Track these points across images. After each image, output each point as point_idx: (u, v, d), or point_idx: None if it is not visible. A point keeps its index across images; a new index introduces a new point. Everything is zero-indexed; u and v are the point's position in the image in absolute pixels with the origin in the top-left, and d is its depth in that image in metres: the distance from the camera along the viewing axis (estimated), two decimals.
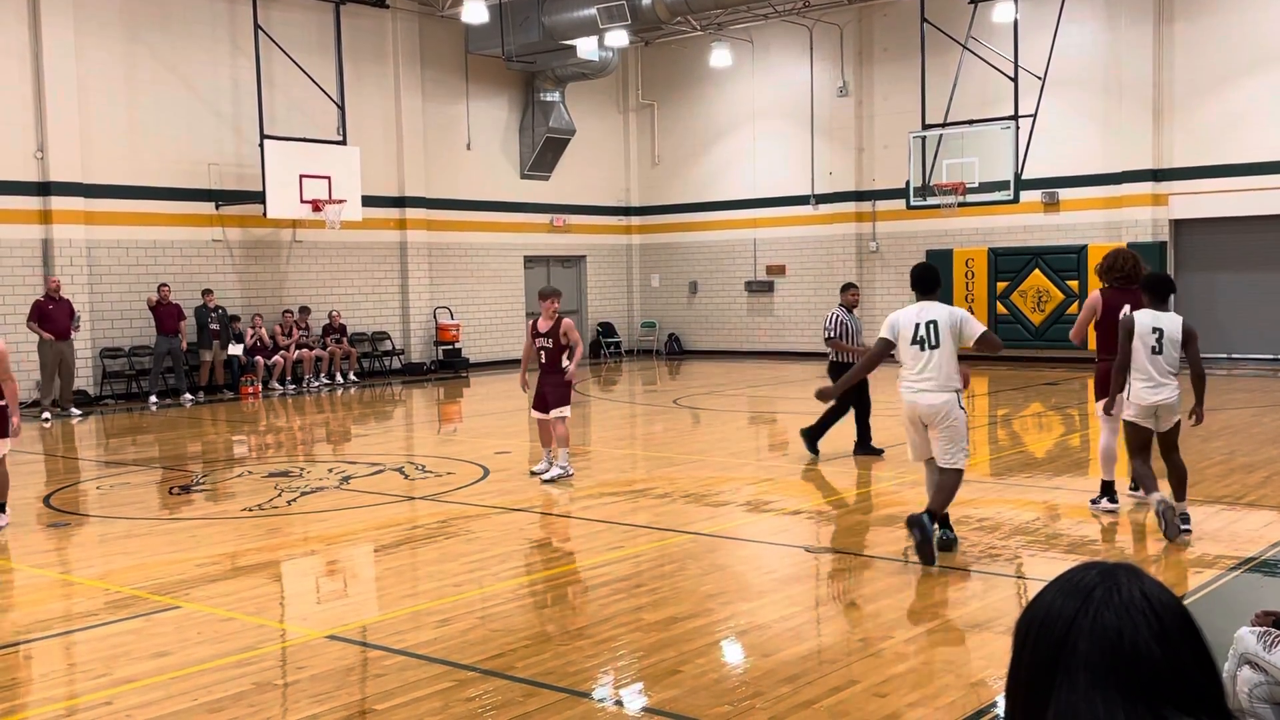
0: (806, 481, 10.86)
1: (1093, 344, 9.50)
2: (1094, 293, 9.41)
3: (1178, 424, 8.38)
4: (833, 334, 12.00)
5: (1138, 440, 8.30)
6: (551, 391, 10.80)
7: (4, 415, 9.05)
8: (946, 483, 7.52)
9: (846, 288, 12.45)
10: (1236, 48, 20.35)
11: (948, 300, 24.38)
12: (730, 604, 6.69)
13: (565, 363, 10.79)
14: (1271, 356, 20.47)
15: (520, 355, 11.82)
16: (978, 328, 7.58)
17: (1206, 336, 21.12)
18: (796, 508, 9.55)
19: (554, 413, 10.79)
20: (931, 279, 7.75)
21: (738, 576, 7.55)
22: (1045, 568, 7.40)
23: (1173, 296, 8.82)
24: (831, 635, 6.06)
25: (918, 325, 7.52)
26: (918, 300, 7.73)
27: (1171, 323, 8.36)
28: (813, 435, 12.02)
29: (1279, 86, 19.96)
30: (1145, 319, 8.26)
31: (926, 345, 7.48)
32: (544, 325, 10.86)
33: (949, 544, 7.65)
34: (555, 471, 10.78)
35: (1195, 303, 21.48)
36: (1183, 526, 7.96)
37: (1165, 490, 8.20)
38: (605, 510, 9.42)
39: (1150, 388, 8.23)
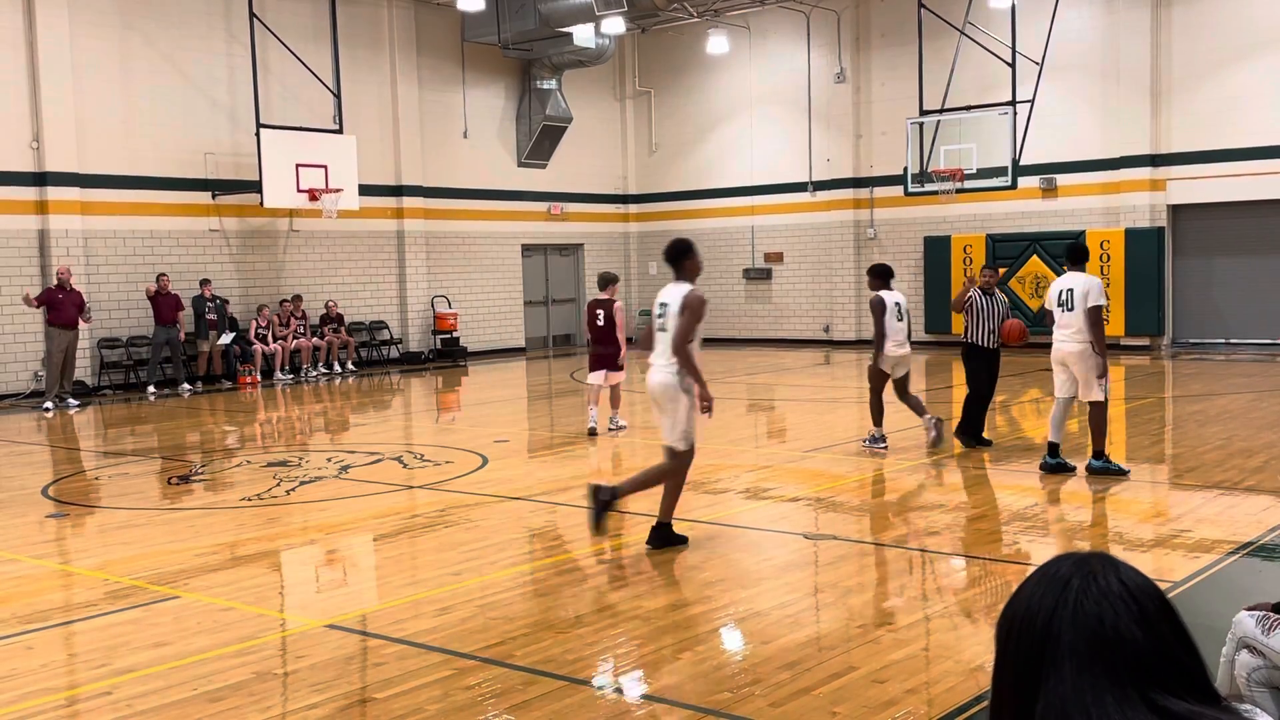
0: (805, 468, 10.86)
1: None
2: None
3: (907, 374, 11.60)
4: (955, 300, 11.48)
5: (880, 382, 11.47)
6: (609, 358, 12.84)
7: None
8: (1094, 418, 9.61)
9: (984, 267, 12.17)
10: (1234, 32, 20.31)
11: (946, 289, 24.24)
12: (729, 591, 6.69)
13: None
14: (1269, 341, 20.48)
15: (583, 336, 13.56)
16: (1091, 300, 9.30)
17: (1204, 322, 21.26)
18: (795, 495, 9.56)
19: (611, 377, 12.92)
20: (1079, 253, 9.68)
21: (736, 564, 7.55)
22: (1044, 553, 7.40)
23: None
24: (830, 622, 6.07)
25: (1061, 291, 9.55)
26: (1068, 271, 9.67)
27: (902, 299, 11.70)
28: (972, 430, 11.33)
29: (1276, 71, 19.93)
30: (892, 298, 11.41)
31: (1066, 308, 9.45)
32: (601, 306, 12.89)
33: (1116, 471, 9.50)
34: (621, 423, 13.02)
35: (1193, 288, 21.50)
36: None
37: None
38: None
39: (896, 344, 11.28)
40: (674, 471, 7.65)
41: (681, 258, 7.83)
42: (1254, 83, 20.20)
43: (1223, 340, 21.03)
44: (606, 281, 13.15)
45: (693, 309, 7.44)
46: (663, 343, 7.62)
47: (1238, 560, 7.10)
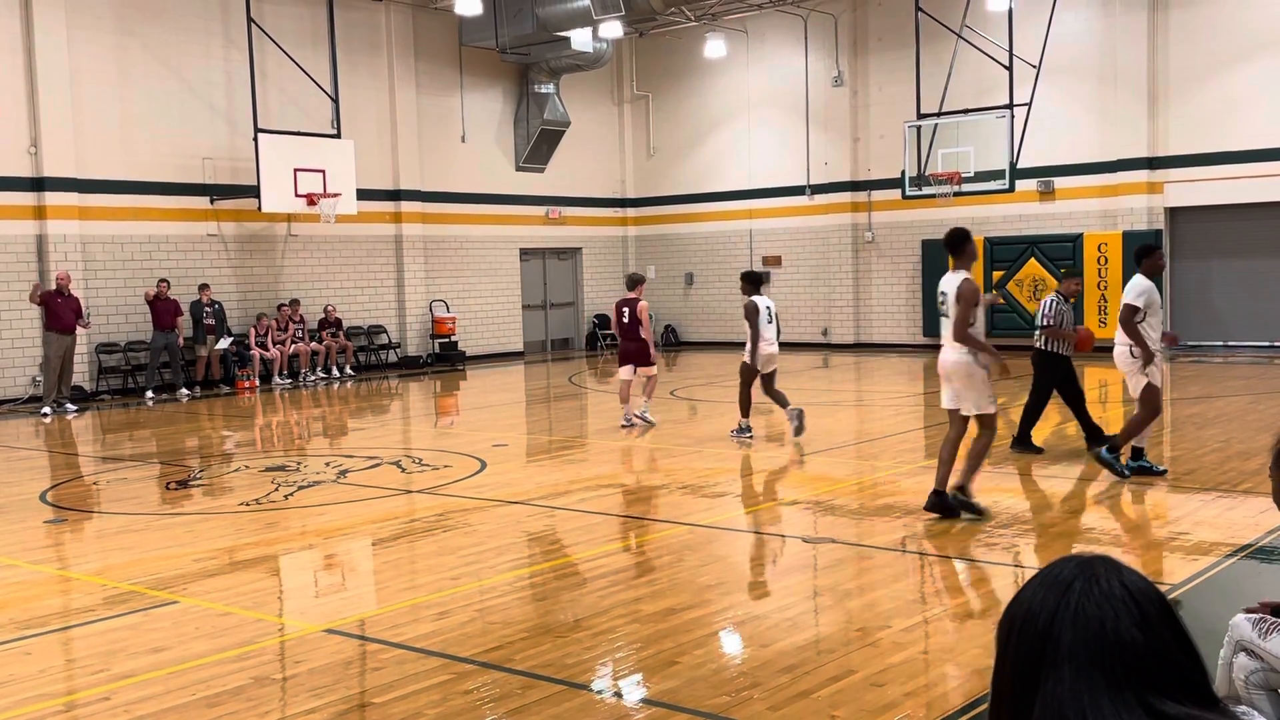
0: (804, 472, 10.87)
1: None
2: None
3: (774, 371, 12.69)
4: (1051, 321, 11.22)
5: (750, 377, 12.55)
6: (636, 353, 13.66)
7: None
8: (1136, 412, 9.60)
9: (1068, 275, 11.75)
10: (1231, 34, 20.34)
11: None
12: (728, 594, 6.69)
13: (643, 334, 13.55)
14: (1267, 343, 20.50)
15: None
16: (1124, 299, 9.50)
17: (1203, 324, 21.27)
18: (794, 498, 9.56)
19: (643, 371, 13.71)
20: (1139, 255, 9.82)
21: (735, 567, 7.56)
22: (1042, 556, 7.41)
23: (764, 285, 12.94)
24: (829, 625, 6.07)
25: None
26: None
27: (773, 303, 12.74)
28: (1026, 431, 11.27)
29: (1273, 73, 19.96)
30: (763, 302, 12.51)
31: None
32: (627, 305, 13.65)
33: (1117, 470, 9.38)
34: (649, 416, 13.57)
35: (1191, 290, 21.52)
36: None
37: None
38: (603, 502, 9.43)
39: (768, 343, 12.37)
40: (986, 441, 8.41)
41: (960, 245, 8.53)
42: (1251, 85, 20.23)
43: (1220, 343, 21.04)
44: (635, 281, 13.93)
45: (966, 297, 8.24)
46: (946, 327, 8.44)
47: (1236, 563, 7.10)
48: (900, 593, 6.71)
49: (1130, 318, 9.34)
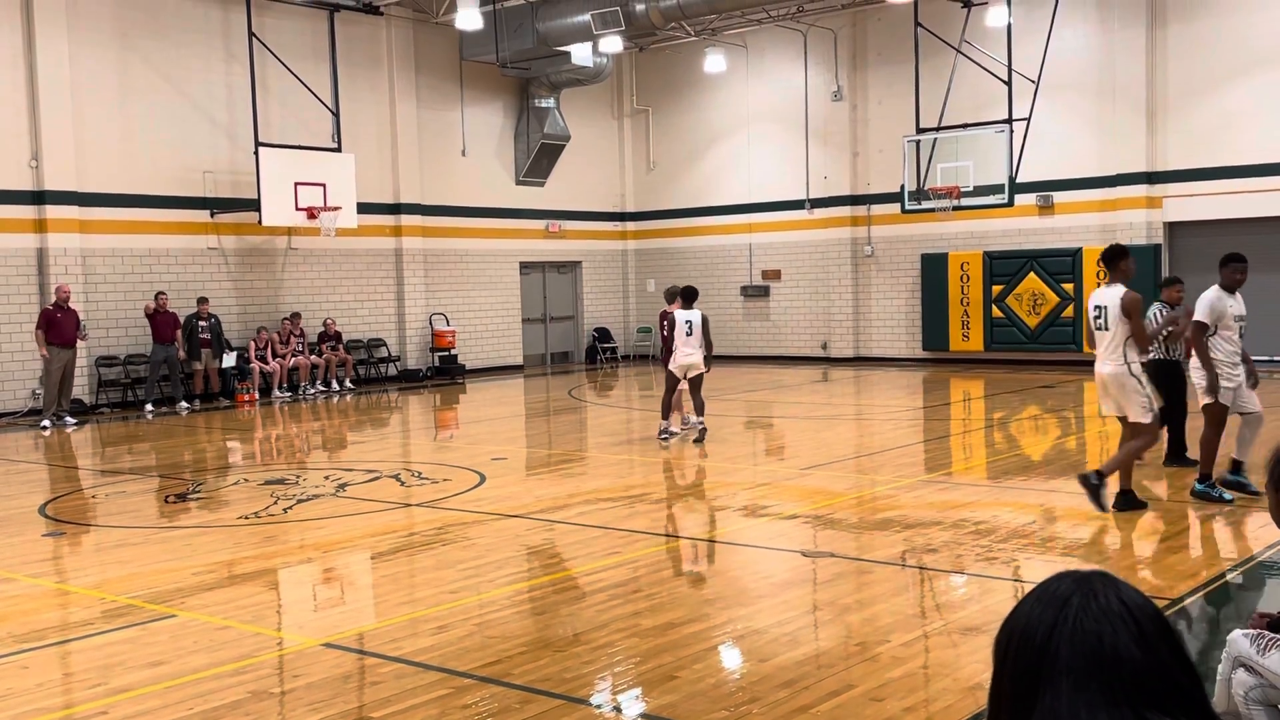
0: (803, 485, 10.86)
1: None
2: None
3: (701, 375, 13.59)
4: (1169, 328, 11.03)
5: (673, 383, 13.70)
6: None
7: None
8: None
9: (1170, 283, 11.53)
10: (1229, 50, 20.40)
11: (943, 306, 24.24)
12: (728, 609, 6.69)
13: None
14: (1266, 358, 20.50)
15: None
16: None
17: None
18: (793, 512, 9.56)
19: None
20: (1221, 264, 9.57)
21: (734, 581, 7.55)
22: (1042, 571, 7.40)
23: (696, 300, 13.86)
24: (828, 640, 6.06)
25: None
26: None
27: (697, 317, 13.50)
28: (1179, 450, 11.04)
29: (1272, 88, 20.00)
30: (684, 315, 13.47)
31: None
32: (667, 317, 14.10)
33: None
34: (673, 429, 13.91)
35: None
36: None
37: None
38: (602, 515, 9.42)
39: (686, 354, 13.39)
40: (1144, 443, 8.79)
41: (1117, 260, 8.77)
42: (1249, 101, 20.28)
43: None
44: (674, 295, 14.42)
45: (1131, 307, 8.51)
46: (1104, 340, 8.66)
47: (1235, 578, 7.09)
48: (900, 607, 6.70)
49: (1199, 335, 9.13)
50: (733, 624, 6.39)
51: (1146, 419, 8.67)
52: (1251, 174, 20.28)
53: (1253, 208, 20.28)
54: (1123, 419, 8.91)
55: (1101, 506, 8.68)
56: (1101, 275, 8.99)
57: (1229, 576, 7.11)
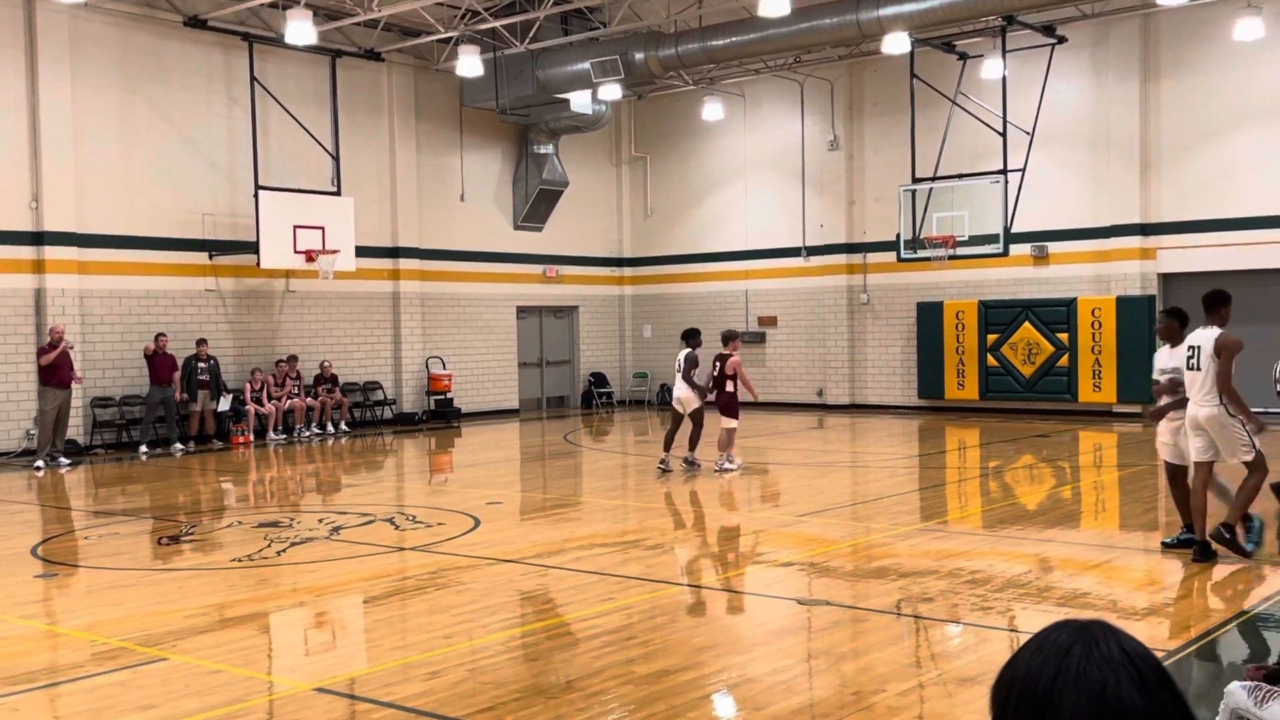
0: (799, 533, 10.84)
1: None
2: None
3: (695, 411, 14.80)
4: None
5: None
6: (722, 405, 14.73)
7: None
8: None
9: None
10: (1221, 104, 20.61)
11: (938, 354, 24.31)
12: (722, 657, 6.65)
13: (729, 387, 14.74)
14: (1259, 410, 20.50)
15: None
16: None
17: None
18: (789, 559, 9.53)
19: (723, 421, 14.65)
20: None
21: (729, 629, 7.52)
22: (1038, 621, 7.37)
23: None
24: (824, 689, 6.03)
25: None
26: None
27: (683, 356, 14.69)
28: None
29: (1264, 142, 20.19)
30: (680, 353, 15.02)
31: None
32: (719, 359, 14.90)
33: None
34: (725, 465, 14.56)
35: None
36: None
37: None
38: (597, 561, 9.39)
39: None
40: (1258, 480, 8.73)
41: (1218, 305, 8.94)
42: (1241, 154, 20.46)
43: None
44: (728, 338, 15.07)
45: (1229, 349, 8.63)
46: (1196, 381, 8.76)
47: (1231, 629, 7.08)
48: (895, 657, 6.68)
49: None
50: (727, 672, 6.36)
51: (1250, 456, 8.69)
52: (1244, 227, 20.42)
53: (1245, 260, 20.39)
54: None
55: (1244, 553, 8.70)
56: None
57: (1225, 628, 7.09)
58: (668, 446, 14.86)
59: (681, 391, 14.82)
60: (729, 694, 6.02)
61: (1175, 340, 9.23)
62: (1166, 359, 9.27)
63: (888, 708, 5.61)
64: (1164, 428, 9.34)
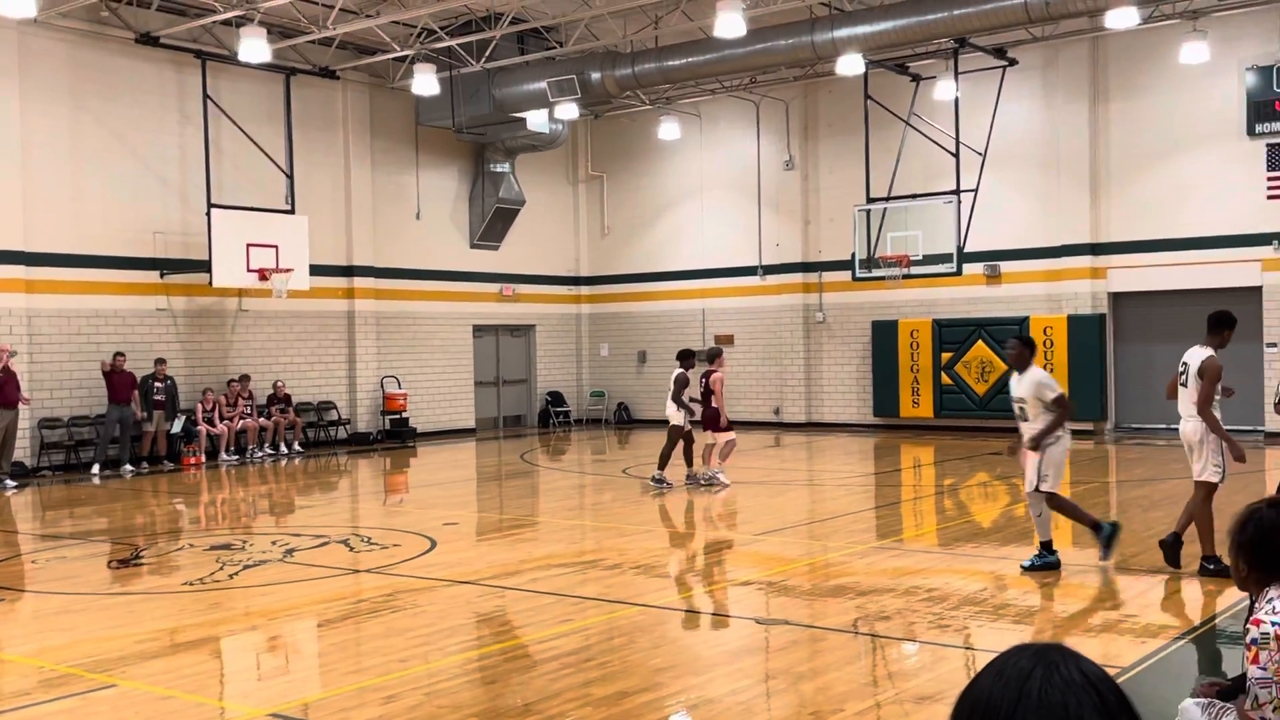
0: (756, 552, 10.84)
1: None
2: None
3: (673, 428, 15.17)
4: None
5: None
6: (707, 419, 15.17)
7: None
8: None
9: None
10: (1168, 126, 20.97)
11: (893, 373, 24.42)
12: (681, 678, 6.63)
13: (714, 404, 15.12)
14: (1233, 428, 20.83)
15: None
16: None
17: (1145, 407, 21.62)
18: (747, 579, 9.53)
19: (716, 436, 15.15)
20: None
21: (688, 649, 7.50)
22: (994, 639, 7.42)
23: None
24: (782, 709, 6.02)
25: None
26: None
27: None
28: None
29: (1211, 163, 20.56)
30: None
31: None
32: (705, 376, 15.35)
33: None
34: (716, 476, 15.02)
35: (1133, 374, 21.90)
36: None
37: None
38: (554, 582, 9.34)
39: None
40: (1208, 501, 8.87)
41: (1219, 327, 8.90)
42: (1187, 175, 20.82)
43: (1164, 425, 21.35)
44: (713, 355, 15.61)
45: (1209, 374, 8.62)
46: (1185, 397, 8.87)
47: (1185, 645, 7.15)
48: (853, 676, 6.68)
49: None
50: (686, 693, 6.34)
51: (1215, 479, 8.83)
52: (1191, 247, 20.77)
53: (1192, 280, 20.74)
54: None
55: (1173, 563, 8.96)
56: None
57: (1178, 644, 7.16)
58: (662, 464, 15.18)
59: (669, 410, 15.29)
60: (688, 715, 6.00)
61: (1024, 368, 9.37)
62: (1015, 387, 9.49)
63: None
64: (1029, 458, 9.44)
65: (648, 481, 15.28)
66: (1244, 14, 19.95)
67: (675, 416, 15.20)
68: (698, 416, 15.35)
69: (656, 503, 14.40)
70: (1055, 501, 9.41)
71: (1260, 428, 19.68)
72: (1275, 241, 20.00)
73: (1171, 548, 9.06)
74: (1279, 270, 20.05)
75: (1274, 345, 20.06)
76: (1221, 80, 20.31)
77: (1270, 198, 20.06)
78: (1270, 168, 20.05)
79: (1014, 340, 9.69)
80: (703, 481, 15.15)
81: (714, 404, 15.09)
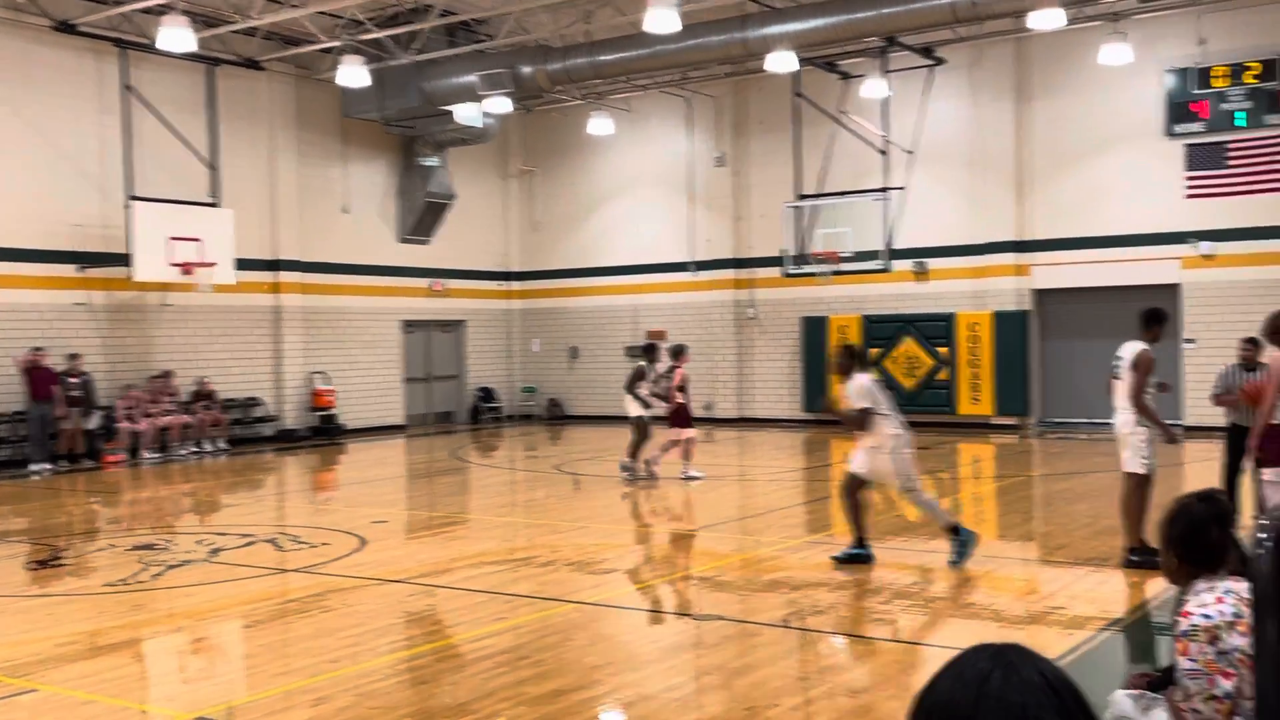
0: (691, 548, 10.85)
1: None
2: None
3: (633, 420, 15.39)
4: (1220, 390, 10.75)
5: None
6: (673, 416, 15.27)
7: None
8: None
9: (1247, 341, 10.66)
10: (1089, 126, 21.39)
11: (823, 368, 24.63)
12: (616, 675, 6.60)
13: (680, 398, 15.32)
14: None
15: None
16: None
17: (1068, 402, 22.05)
18: (680, 574, 9.52)
19: (679, 433, 15.22)
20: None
21: (623, 646, 7.47)
22: (928, 632, 7.50)
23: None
24: (717, 705, 6.02)
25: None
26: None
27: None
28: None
29: (1129, 163, 21.00)
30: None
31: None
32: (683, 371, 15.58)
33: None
34: (690, 473, 15.13)
35: (1056, 369, 22.32)
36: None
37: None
38: (487, 580, 9.26)
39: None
40: (1135, 493, 9.07)
41: (1150, 322, 9.27)
42: (1109, 174, 21.25)
43: (1085, 420, 21.79)
44: (676, 352, 15.85)
45: (1141, 366, 8.96)
46: (1118, 389, 9.22)
47: (1110, 636, 7.28)
48: (787, 670, 6.71)
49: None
50: (622, 690, 6.31)
51: (1142, 471, 9.04)
52: (1111, 244, 21.21)
53: (1113, 277, 21.18)
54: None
55: (1150, 565, 8.72)
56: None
57: (1106, 635, 7.29)
58: (631, 455, 15.32)
59: (626, 402, 15.46)
60: (624, 713, 5.97)
61: (847, 375, 9.59)
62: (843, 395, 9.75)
63: None
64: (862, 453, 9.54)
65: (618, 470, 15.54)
66: (1164, 17, 20.40)
67: (632, 409, 15.29)
68: (656, 410, 15.39)
69: (588, 499, 14.36)
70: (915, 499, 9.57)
71: (1179, 421, 20.15)
72: (1193, 240, 20.49)
73: (1136, 563, 8.96)
74: (1196, 268, 20.55)
75: (1191, 341, 20.55)
76: (1142, 81, 20.75)
77: (1188, 197, 20.55)
78: (1188, 167, 20.54)
79: (840, 348, 10.03)
80: (642, 474, 15.15)
81: (678, 400, 15.27)
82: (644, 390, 15.33)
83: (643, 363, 15.63)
